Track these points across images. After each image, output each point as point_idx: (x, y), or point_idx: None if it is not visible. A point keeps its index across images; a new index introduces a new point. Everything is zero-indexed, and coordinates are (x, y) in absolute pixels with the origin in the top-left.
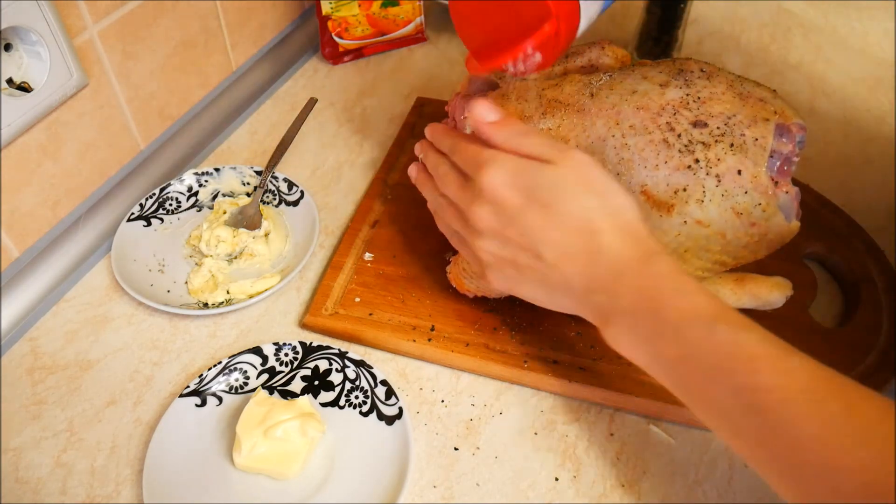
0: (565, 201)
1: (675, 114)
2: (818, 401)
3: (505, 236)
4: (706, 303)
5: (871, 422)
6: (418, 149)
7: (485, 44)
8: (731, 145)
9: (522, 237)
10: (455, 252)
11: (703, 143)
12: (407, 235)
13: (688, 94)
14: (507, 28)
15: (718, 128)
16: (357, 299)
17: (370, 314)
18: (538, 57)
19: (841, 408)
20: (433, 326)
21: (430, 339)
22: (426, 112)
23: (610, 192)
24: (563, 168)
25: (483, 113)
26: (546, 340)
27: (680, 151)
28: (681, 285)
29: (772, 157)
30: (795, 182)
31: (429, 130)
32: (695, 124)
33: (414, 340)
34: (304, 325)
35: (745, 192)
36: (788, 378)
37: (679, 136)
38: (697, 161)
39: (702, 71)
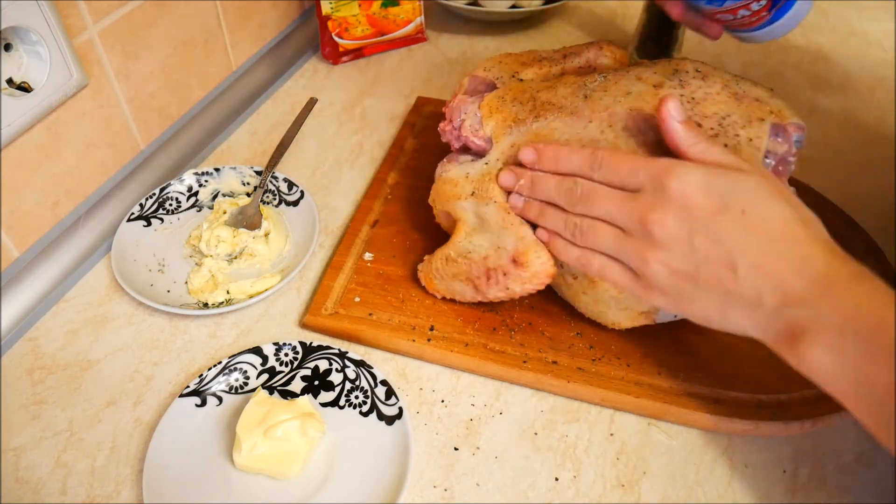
0: (764, 207)
1: None
2: None
3: (692, 245)
4: None
5: None
6: (511, 179)
7: None
8: (725, 146)
9: (715, 245)
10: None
11: None
12: (406, 235)
13: (682, 95)
14: None
15: (712, 128)
16: (357, 299)
17: (370, 314)
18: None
19: None
20: (432, 326)
21: (429, 340)
22: (426, 112)
23: (800, 204)
24: (757, 175)
25: (674, 110)
26: (545, 341)
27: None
28: (889, 303)
29: (767, 157)
30: (795, 182)
31: (531, 153)
32: None
33: (413, 340)
34: (303, 325)
35: None
36: None
37: None
38: None
39: (697, 71)
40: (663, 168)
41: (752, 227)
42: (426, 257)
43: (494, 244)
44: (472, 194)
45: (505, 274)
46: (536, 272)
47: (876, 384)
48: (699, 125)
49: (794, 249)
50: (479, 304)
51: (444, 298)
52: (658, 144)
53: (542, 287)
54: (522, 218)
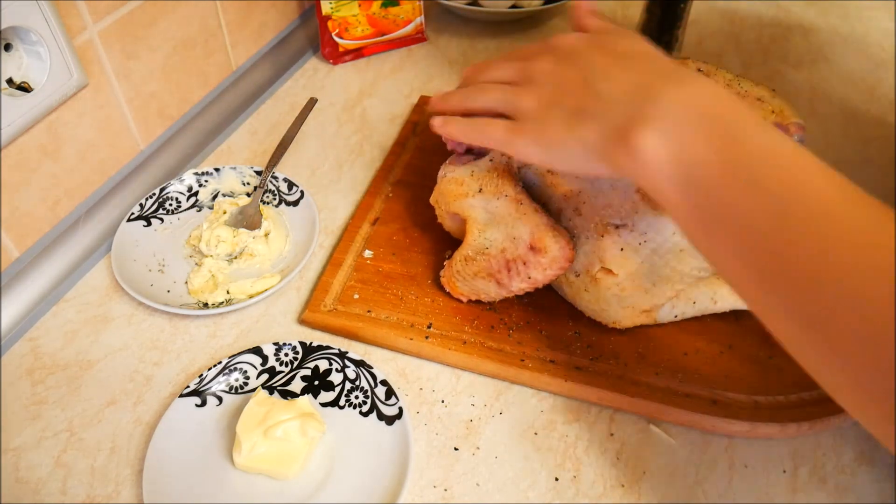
0: (635, 44)
1: None
2: (855, 202)
3: (559, 74)
4: (761, 122)
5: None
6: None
7: None
8: None
9: (578, 69)
10: (452, 253)
11: None
12: (407, 233)
13: None
14: None
15: None
16: (356, 296)
17: (368, 311)
18: None
19: (877, 211)
20: (430, 324)
21: (427, 337)
22: (429, 111)
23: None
24: (639, 38)
25: (585, 5)
26: (543, 339)
27: None
28: (735, 103)
29: None
30: None
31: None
32: None
33: (411, 338)
34: (302, 322)
35: None
36: (833, 189)
37: None
38: None
39: (699, 71)
40: (554, 37)
41: (615, 53)
42: (446, 262)
43: (510, 235)
44: (479, 191)
45: (525, 263)
46: (556, 257)
47: (698, 161)
48: None
49: (654, 63)
50: (479, 303)
51: (470, 302)
52: None
53: (563, 272)
54: (439, 113)
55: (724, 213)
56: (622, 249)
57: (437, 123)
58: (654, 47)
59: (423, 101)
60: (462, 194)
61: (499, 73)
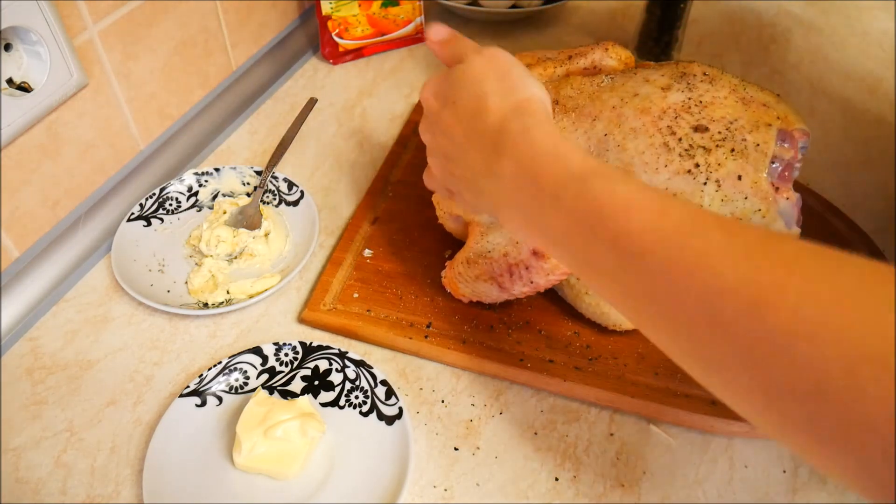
0: (464, 93)
1: (676, 117)
2: (696, 234)
3: (438, 144)
4: (580, 161)
5: (753, 242)
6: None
7: None
8: (732, 150)
9: (444, 139)
10: (453, 253)
11: (704, 148)
12: (407, 233)
13: (690, 98)
14: None
15: (720, 132)
16: (355, 295)
17: (368, 310)
18: None
19: (721, 236)
20: (430, 323)
21: (426, 336)
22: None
23: (513, 76)
24: (469, 63)
25: (434, 33)
26: (542, 339)
27: (680, 156)
28: (556, 149)
29: (773, 162)
30: (796, 185)
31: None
32: (696, 128)
33: (410, 337)
34: (301, 320)
35: (745, 198)
36: (663, 219)
37: (680, 139)
38: (698, 166)
39: (704, 74)
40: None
41: (458, 113)
42: (448, 264)
43: (512, 240)
44: None
45: (527, 268)
46: (558, 263)
47: (555, 231)
48: (707, 128)
49: (482, 118)
50: (478, 303)
51: (470, 302)
52: (665, 146)
53: (566, 277)
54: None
55: (590, 271)
56: None
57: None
58: (492, 83)
59: None
60: None
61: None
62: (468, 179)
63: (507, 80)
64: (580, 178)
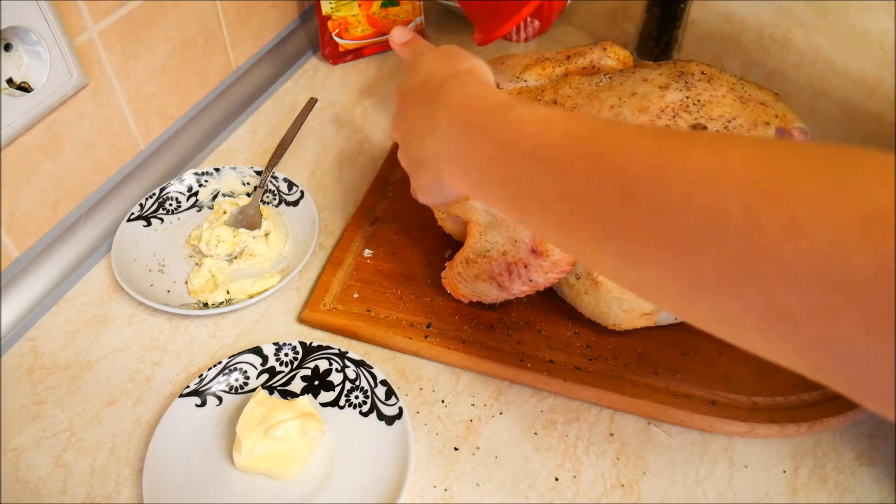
0: (416, 78)
1: (674, 116)
2: (609, 130)
3: (402, 134)
4: (506, 96)
5: (662, 131)
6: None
7: (487, 18)
8: None
9: (405, 124)
10: (452, 253)
11: None
12: (407, 233)
13: (688, 97)
14: (505, 2)
15: (718, 131)
16: (355, 295)
17: (368, 310)
18: (536, 24)
19: (633, 129)
20: (430, 323)
21: (426, 336)
22: None
23: (459, 56)
24: (422, 55)
25: (397, 36)
26: (542, 339)
27: None
28: (485, 90)
29: None
30: None
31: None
32: (694, 127)
33: (410, 338)
34: (301, 320)
35: None
36: (581, 125)
37: None
38: None
39: (703, 73)
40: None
41: (411, 102)
42: (447, 264)
43: (511, 238)
44: None
45: (526, 266)
46: (557, 260)
47: (483, 161)
48: (705, 127)
49: (430, 86)
50: (479, 302)
51: (470, 303)
52: None
53: (564, 275)
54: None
55: (517, 200)
56: None
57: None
58: (436, 57)
59: None
60: (464, 197)
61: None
62: (416, 146)
63: (451, 59)
64: (505, 107)
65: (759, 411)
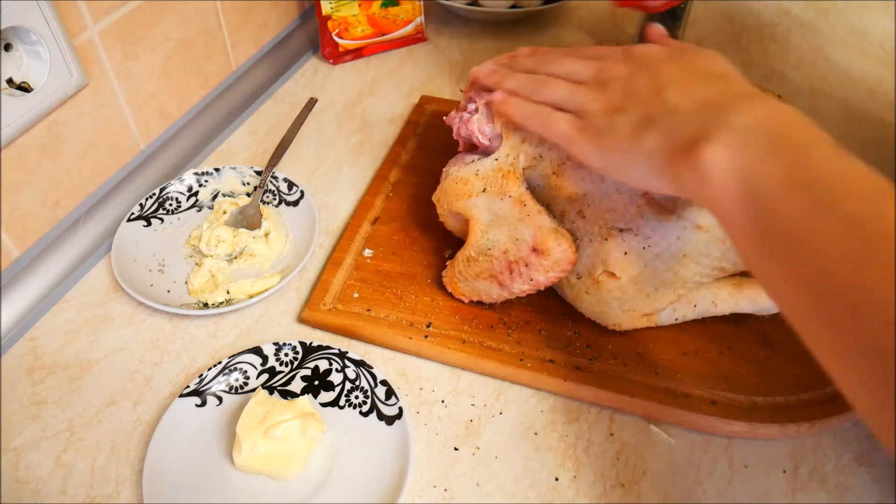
0: (711, 62)
1: None
2: None
3: (632, 81)
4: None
5: None
6: (491, 75)
7: None
8: None
9: (652, 79)
10: (453, 253)
11: None
12: (407, 233)
13: None
14: None
15: None
16: (355, 295)
17: (368, 310)
18: None
19: None
20: (430, 323)
21: (426, 336)
22: (429, 110)
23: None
24: (720, 58)
25: (656, 34)
26: (542, 339)
27: None
28: (810, 126)
29: None
30: None
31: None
32: None
33: (410, 337)
34: (301, 320)
35: None
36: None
37: None
38: None
39: None
40: (632, 47)
41: (693, 70)
42: (448, 263)
43: (512, 237)
44: (483, 191)
45: (527, 265)
46: (558, 260)
47: (772, 181)
48: None
49: (730, 83)
50: (479, 302)
51: (470, 302)
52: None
53: (565, 274)
54: (488, 85)
55: (787, 233)
56: (626, 253)
57: (499, 98)
58: (734, 69)
59: (424, 100)
60: (466, 194)
61: (568, 68)
62: (643, 120)
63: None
64: (837, 147)
65: (760, 411)
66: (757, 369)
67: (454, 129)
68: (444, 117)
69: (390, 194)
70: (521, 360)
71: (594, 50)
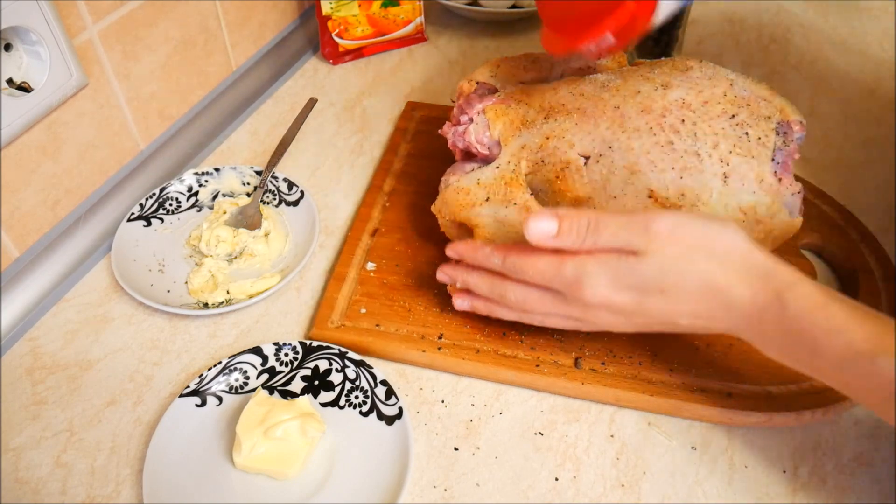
0: (679, 280)
1: (677, 115)
2: None
3: (633, 323)
4: (862, 338)
5: None
6: (447, 273)
7: (563, 21)
8: (735, 145)
9: (653, 319)
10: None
11: (708, 144)
12: (408, 243)
13: (689, 95)
14: (586, 8)
15: (722, 128)
16: (363, 310)
17: (377, 325)
18: (611, 39)
19: None
20: (441, 335)
21: (439, 348)
22: (418, 116)
23: (710, 237)
24: (656, 253)
25: (543, 229)
26: (556, 343)
27: (685, 153)
28: (829, 322)
29: (774, 154)
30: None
31: (458, 250)
32: (698, 125)
33: (423, 350)
34: (310, 339)
35: (752, 192)
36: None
37: (683, 137)
38: (703, 162)
39: (702, 71)
40: (569, 280)
41: (678, 299)
42: None
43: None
44: (486, 200)
45: None
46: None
47: (830, 381)
48: (709, 125)
49: (722, 299)
50: None
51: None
52: (670, 144)
53: None
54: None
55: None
56: None
57: (459, 304)
58: (690, 248)
59: (411, 106)
60: (469, 204)
61: (535, 276)
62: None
63: (699, 243)
64: (866, 357)
65: (776, 399)
66: (768, 359)
67: (449, 141)
68: (439, 130)
69: (387, 204)
70: (538, 365)
71: (530, 269)
